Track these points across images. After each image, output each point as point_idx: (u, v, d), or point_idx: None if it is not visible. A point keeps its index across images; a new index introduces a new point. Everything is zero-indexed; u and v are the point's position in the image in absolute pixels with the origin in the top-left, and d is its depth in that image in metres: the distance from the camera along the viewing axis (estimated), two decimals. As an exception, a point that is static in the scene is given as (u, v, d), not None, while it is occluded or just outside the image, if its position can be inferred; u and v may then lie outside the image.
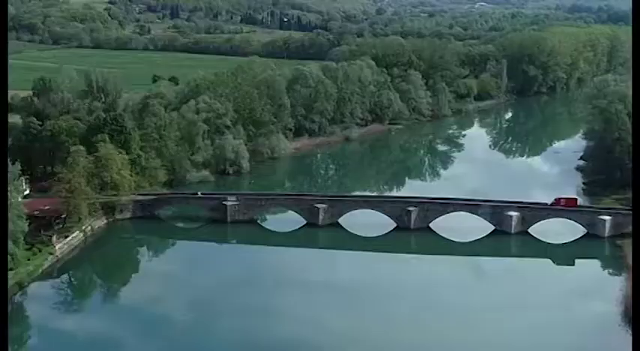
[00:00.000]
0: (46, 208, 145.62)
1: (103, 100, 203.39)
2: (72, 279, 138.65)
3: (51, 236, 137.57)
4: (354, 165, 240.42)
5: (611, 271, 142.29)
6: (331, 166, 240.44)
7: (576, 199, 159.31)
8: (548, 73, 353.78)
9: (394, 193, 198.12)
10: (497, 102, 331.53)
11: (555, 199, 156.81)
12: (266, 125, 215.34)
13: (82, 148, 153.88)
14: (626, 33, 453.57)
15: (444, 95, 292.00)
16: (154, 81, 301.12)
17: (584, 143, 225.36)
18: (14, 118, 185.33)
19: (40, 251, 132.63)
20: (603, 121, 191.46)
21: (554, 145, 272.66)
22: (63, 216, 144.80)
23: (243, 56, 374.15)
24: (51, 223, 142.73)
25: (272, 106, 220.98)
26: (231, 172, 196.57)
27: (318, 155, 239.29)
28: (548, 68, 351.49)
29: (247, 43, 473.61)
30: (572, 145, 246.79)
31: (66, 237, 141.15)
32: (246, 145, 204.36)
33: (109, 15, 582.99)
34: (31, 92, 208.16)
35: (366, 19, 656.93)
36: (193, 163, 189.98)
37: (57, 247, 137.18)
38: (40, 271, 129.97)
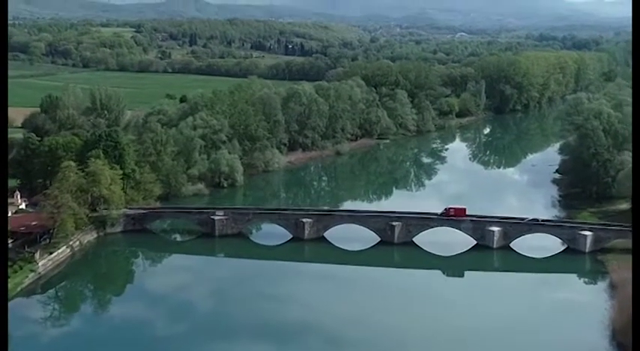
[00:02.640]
0: (33, 223, 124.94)
1: (107, 116, 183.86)
2: (58, 294, 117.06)
3: (34, 253, 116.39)
4: (345, 176, 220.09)
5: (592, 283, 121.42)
6: (324, 177, 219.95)
7: (465, 209, 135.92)
8: (523, 93, 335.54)
9: (382, 202, 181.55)
10: (476, 118, 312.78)
11: (445, 209, 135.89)
12: (261, 140, 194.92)
13: (72, 163, 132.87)
14: (590, 58, 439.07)
15: (428, 112, 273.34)
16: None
17: (558, 156, 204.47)
18: (18, 134, 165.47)
19: (21, 269, 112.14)
20: (579, 136, 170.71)
21: (528, 157, 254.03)
22: (51, 231, 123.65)
23: (248, 77, 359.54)
24: (36, 239, 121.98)
25: (267, 123, 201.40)
26: (225, 185, 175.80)
27: (312, 168, 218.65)
28: (522, 88, 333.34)
29: (254, 66, 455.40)
30: (546, 158, 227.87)
31: (51, 253, 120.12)
32: (241, 159, 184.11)
33: (135, 42, 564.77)
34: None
35: (360, 46, 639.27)
36: (189, 176, 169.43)
37: (40, 264, 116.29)
38: (19, 289, 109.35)
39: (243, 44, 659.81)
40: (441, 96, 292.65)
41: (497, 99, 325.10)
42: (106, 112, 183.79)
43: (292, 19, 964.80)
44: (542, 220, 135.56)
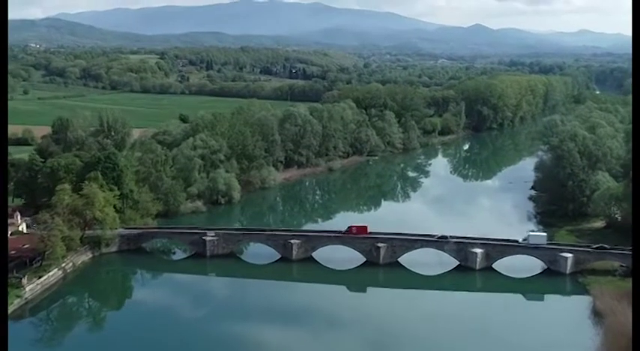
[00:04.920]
0: (25, 246, 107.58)
1: (113, 137, 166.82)
2: (48, 315, 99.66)
3: (21, 278, 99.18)
4: (338, 190, 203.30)
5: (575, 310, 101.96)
6: (317, 192, 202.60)
7: (366, 227, 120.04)
8: (498, 113, 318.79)
9: (372, 213, 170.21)
10: (457, 136, 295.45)
11: (348, 227, 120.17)
12: (257, 159, 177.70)
13: (67, 186, 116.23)
14: (556, 81, 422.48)
15: (413, 131, 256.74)
16: (181, 119, 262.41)
17: (530, 169, 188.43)
18: (24, 155, 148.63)
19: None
20: (556, 157, 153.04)
21: (503, 170, 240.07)
22: (41, 254, 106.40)
23: (256, 98, 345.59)
24: (26, 263, 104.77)
25: (265, 142, 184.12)
26: (223, 202, 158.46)
27: (306, 183, 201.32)
28: (497, 108, 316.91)
29: (261, 89, 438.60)
30: (520, 172, 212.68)
31: (40, 277, 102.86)
32: (239, 176, 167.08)
33: (158, 67, 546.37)
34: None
35: (355, 71, 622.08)
36: (189, 194, 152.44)
37: (27, 289, 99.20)
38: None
39: (253, 69, 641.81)
40: (425, 116, 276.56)
41: (476, 118, 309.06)
42: (112, 133, 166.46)
43: (297, 47, 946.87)
44: (450, 237, 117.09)
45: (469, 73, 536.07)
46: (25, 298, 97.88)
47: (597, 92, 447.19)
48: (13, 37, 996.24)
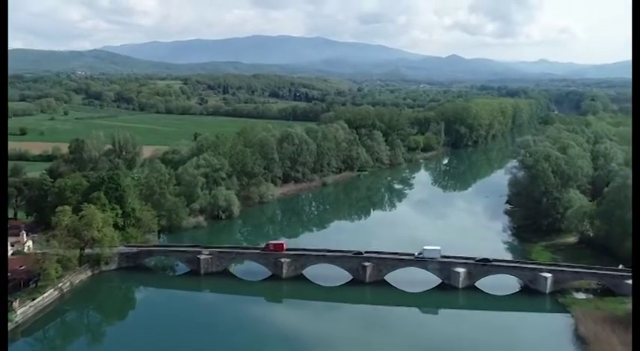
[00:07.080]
0: (21, 268, 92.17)
1: (125, 156, 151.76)
2: (45, 336, 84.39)
3: (13, 301, 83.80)
4: (331, 202, 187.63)
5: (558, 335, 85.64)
6: (313, 204, 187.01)
7: (282, 244, 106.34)
8: (473, 131, 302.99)
9: (363, 221, 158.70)
10: (437, 152, 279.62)
11: (266, 244, 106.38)
12: (257, 176, 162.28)
13: (67, 208, 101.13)
14: (523, 103, 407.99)
15: (399, 148, 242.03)
16: (195, 138, 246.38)
17: (501, 180, 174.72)
18: (35, 174, 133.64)
19: (-5, 319, 79.10)
20: (530, 176, 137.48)
21: (477, 182, 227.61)
22: (37, 275, 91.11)
23: (264, 118, 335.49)
24: (21, 285, 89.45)
25: (264, 160, 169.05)
26: (223, 217, 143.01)
27: (302, 197, 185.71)
28: (472, 128, 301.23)
29: (268, 110, 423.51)
30: (492, 183, 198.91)
31: (34, 299, 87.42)
32: (239, 193, 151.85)
33: (182, 91, 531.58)
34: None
35: (350, 94, 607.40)
36: (191, 210, 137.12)
37: (19, 312, 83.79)
38: (-11, 342, 76.32)
39: (263, 93, 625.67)
40: (409, 135, 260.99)
41: (454, 136, 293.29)
42: (124, 152, 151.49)
43: (301, 74, 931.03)
44: (365, 252, 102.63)
45: (447, 96, 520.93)
46: (16, 322, 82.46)
47: (557, 113, 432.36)
48: (62, 66, 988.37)
